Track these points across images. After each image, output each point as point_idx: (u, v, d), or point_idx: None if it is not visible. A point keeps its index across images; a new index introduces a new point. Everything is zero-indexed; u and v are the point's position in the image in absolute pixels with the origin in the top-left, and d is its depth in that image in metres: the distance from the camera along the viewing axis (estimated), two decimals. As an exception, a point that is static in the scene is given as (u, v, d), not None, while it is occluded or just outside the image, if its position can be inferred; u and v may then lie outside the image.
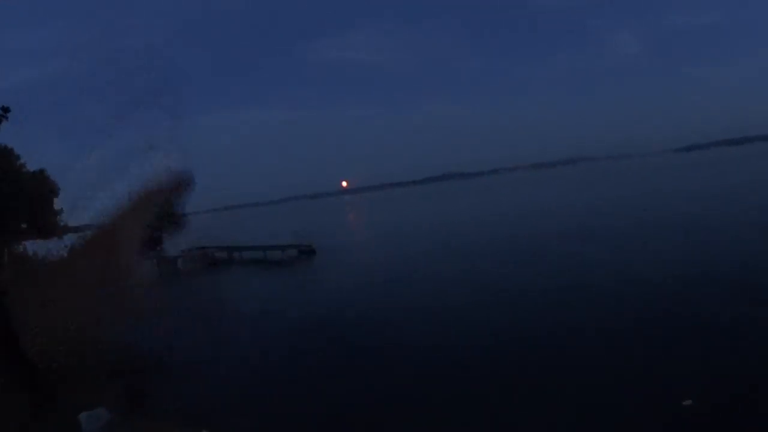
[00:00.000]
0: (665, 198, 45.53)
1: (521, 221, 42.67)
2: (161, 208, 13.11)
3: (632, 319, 13.71)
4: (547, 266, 22.36)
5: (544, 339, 13.14)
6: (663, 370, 10.16)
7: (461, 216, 58.19)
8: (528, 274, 21.20)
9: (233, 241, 46.85)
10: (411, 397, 10.57)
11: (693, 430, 7.97)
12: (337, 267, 31.07)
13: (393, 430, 9.43)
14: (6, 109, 19.10)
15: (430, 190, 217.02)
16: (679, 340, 11.74)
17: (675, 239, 24.35)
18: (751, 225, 25.01)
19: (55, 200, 39.71)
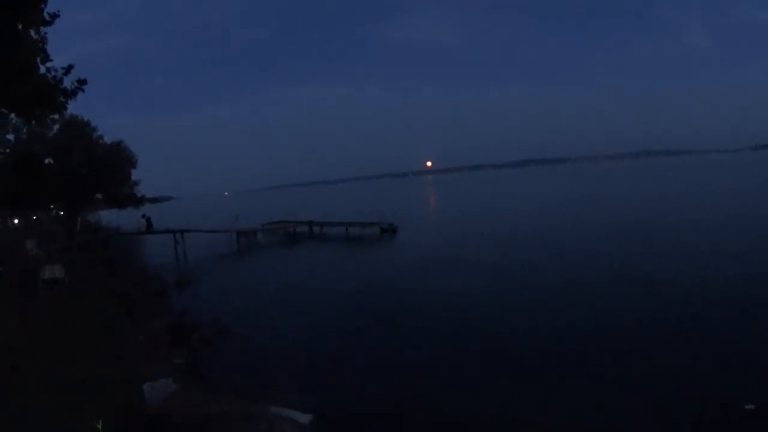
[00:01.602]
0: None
1: (614, 209, 38.17)
2: None
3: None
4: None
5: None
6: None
7: (547, 200, 55.20)
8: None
9: (315, 216, 45.90)
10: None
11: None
12: (419, 247, 28.84)
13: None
14: (82, 81, 19.13)
15: (514, 174, 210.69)
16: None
17: None
18: None
19: (133, 171, 40.23)
